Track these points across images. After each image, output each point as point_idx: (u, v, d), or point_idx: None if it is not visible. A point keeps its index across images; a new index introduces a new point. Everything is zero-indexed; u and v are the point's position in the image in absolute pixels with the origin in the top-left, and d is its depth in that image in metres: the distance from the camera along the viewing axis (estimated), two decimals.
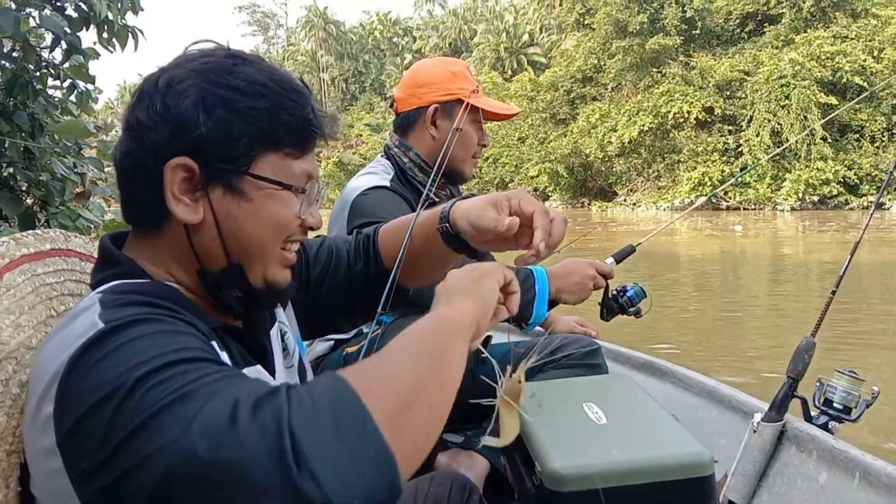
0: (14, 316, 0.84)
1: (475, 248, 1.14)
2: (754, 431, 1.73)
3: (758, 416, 1.75)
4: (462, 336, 0.78)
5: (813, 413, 1.75)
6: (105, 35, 3.02)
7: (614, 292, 2.00)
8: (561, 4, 49.20)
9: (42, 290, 0.90)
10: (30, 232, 0.94)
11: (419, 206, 1.21)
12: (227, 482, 0.55)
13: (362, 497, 0.57)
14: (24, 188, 2.89)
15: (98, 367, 0.63)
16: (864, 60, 30.23)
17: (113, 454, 0.58)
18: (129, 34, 3.10)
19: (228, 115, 0.80)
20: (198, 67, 0.82)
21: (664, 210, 33.31)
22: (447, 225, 1.12)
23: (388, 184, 1.93)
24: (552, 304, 1.93)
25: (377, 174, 1.99)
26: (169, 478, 0.56)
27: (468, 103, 1.95)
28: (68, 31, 2.81)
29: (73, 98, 3.22)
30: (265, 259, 0.86)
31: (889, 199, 27.96)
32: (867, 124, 30.29)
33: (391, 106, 2.09)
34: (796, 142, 28.25)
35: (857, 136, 30.93)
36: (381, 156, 2.08)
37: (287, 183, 0.84)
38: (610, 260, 2.01)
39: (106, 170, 3.48)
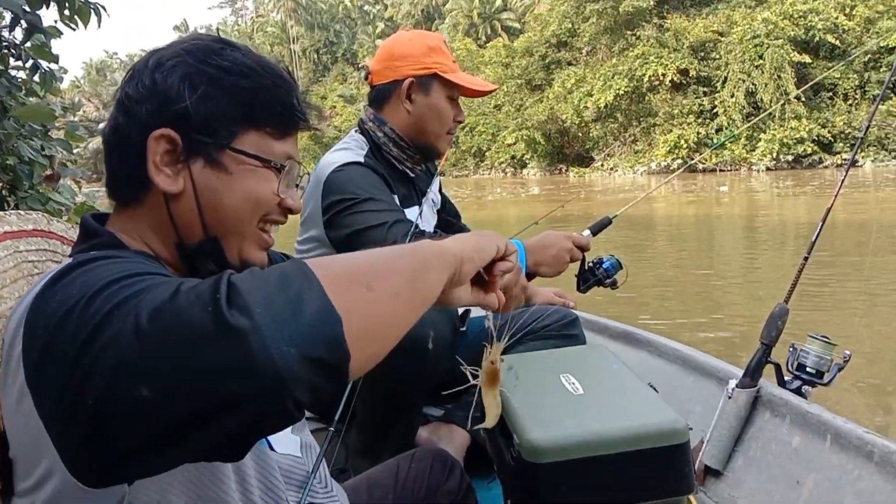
0: None
1: None
2: (729, 397, 1.76)
3: (732, 383, 1.78)
4: (441, 262, 0.77)
5: (786, 378, 1.78)
6: (66, 12, 2.94)
7: (591, 264, 2.00)
8: None
9: (24, 266, 0.92)
10: (12, 211, 0.96)
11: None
12: (171, 349, 0.55)
13: (299, 344, 0.56)
14: None
15: (63, 291, 0.64)
16: (837, 18, 30.29)
17: (76, 360, 0.57)
18: (92, 10, 3.02)
19: (213, 90, 0.83)
20: (187, 48, 0.85)
21: (641, 174, 33.44)
22: None
23: (362, 160, 1.91)
24: (529, 277, 1.93)
25: (351, 150, 1.96)
26: (122, 363, 0.55)
27: (444, 78, 1.93)
28: (27, 9, 2.73)
29: (36, 78, 3.14)
30: (241, 234, 0.87)
31: (862, 157, 28.27)
32: (840, 82, 30.46)
33: (366, 78, 2.05)
34: (771, 103, 28.38)
35: (831, 94, 31.12)
36: (356, 130, 2.06)
37: (266, 158, 0.86)
38: (587, 232, 2.01)
39: (75, 151, 3.42)
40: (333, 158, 1.92)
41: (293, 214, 0.94)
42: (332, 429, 1.26)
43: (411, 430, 1.89)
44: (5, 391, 0.71)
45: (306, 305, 0.58)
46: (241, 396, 0.55)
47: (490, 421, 1.06)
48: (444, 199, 2.33)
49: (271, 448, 0.90)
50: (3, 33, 2.90)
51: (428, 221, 2.13)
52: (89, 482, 0.61)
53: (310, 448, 1.00)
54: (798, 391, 1.71)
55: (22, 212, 0.97)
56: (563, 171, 39.06)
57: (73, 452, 0.60)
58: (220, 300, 0.56)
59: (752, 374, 1.76)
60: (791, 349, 1.77)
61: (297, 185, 0.94)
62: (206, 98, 0.82)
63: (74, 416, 0.58)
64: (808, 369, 1.72)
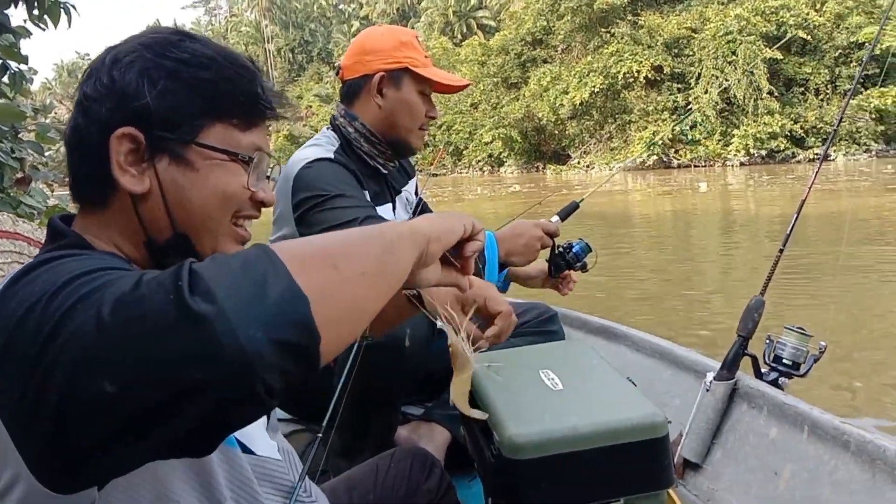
0: None
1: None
2: (707, 390, 1.77)
3: (710, 375, 1.79)
4: (409, 242, 0.76)
5: (763, 370, 1.79)
6: (35, 12, 2.90)
7: (560, 249, 2.01)
8: None
9: None
10: None
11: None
12: (133, 340, 0.54)
13: (266, 327, 0.55)
14: None
15: (24, 290, 0.62)
16: (807, 14, 30.71)
17: (38, 358, 0.56)
18: (62, 10, 2.98)
19: (173, 84, 0.80)
20: (144, 42, 0.82)
21: (617, 172, 33.62)
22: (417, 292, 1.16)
23: (331, 156, 1.88)
24: (501, 266, 1.93)
25: (321, 146, 1.94)
26: (84, 358, 0.54)
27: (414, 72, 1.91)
28: None
29: (5, 80, 3.09)
30: (213, 232, 0.85)
31: (834, 151, 28.66)
32: (812, 77, 30.87)
33: (337, 74, 2.03)
34: (744, 98, 28.69)
35: (802, 89, 31.52)
36: (328, 127, 2.03)
37: (232, 151, 0.84)
38: (555, 218, 2.01)
39: (47, 154, 3.36)
40: (303, 155, 1.89)
41: (266, 207, 0.92)
42: (319, 435, 1.25)
43: (390, 428, 1.88)
44: None
45: (271, 288, 0.57)
46: (208, 383, 0.54)
47: (454, 398, 1.04)
48: (422, 202, 2.31)
49: (251, 452, 0.88)
50: None
51: (401, 219, 2.11)
52: (55, 487, 0.59)
53: (288, 453, 0.99)
54: (775, 383, 1.73)
55: None
56: (541, 168, 39.21)
57: (36, 455, 0.58)
58: (181, 287, 0.55)
59: (729, 367, 1.77)
60: (767, 341, 1.78)
61: (267, 177, 0.92)
62: (167, 93, 0.80)
63: (36, 415, 0.56)
64: (784, 361, 1.73)
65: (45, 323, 0.57)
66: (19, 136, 3.22)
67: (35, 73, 3.41)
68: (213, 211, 0.84)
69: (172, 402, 0.54)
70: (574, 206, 2.07)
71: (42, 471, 0.59)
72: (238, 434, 0.86)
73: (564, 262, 2.00)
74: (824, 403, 1.63)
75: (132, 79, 0.79)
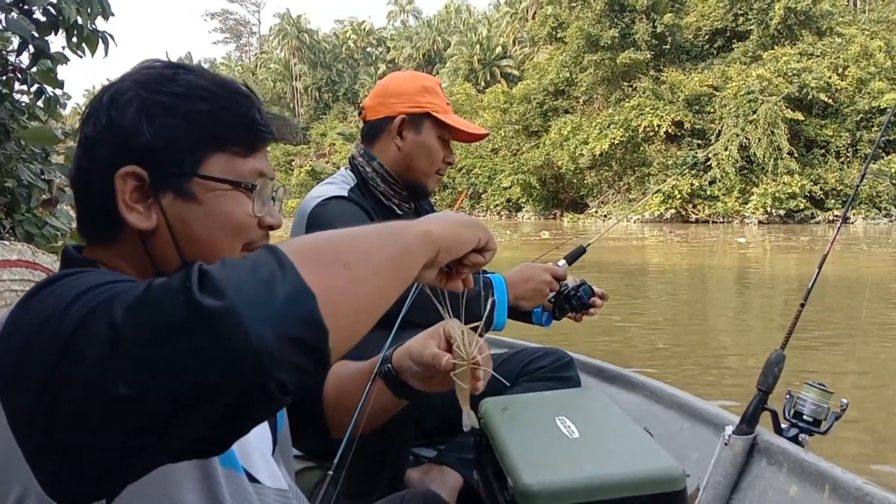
0: None
1: (416, 392, 1.18)
2: (725, 444, 1.74)
3: (729, 429, 1.76)
4: (422, 246, 0.76)
5: (783, 426, 1.76)
6: (74, 39, 2.97)
7: (566, 293, 2.00)
8: (534, 18, 49.73)
9: (6, 294, 0.91)
10: None
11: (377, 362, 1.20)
12: (146, 342, 0.54)
13: (275, 324, 0.55)
14: None
15: (38, 304, 0.62)
16: (829, 77, 30.93)
17: (53, 368, 0.56)
18: (100, 39, 3.06)
19: (170, 119, 0.80)
20: (138, 79, 0.83)
21: (634, 222, 33.66)
22: (390, 366, 1.16)
23: (346, 194, 1.90)
24: (511, 310, 1.93)
25: (336, 184, 1.96)
26: (98, 364, 0.55)
27: (435, 116, 1.94)
28: (36, 35, 2.76)
29: (40, 103, 3.16)
30: None
31: (854, 214, 28.57)
32: (833, 140, 30.96)
33: (360, 114, 2.07)
34: (764, 157, 28.79)
35: (823, 151, 31.60)
36: (346, 167, 2.06)
37: (234, 180, 0.84)
38: (562, 262, 2.01)
39: None
40: (318, 192, 1.92)
41: (274, 230, 0.92)
42: (330, 473, 1.23)
43: (400, 470, 1.85)
44: None
45: (279, 285, 0.57)
46: (221, 381, 0.54)
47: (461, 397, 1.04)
48: None
49: (256, 481, 0.87)
50: (9, 58, 2.93)
51: None
52: (65, 499, 0.59)
53: (293, 489, 0.97)
54: (795, 439, 1.69)
55: (7, 242, 0.97)
56: (558, 216, 39.33)
57: (48, 468, 0.59)
58: (191, 287, 0.55)
59: (748, 421, 1.74)
60: (788, 396, 1.75)
61: (273, 199, 0.91)
62: (165, 128, 0.80)
63: (51, 427, 0.56)
64: (804, 417, 1.70)
65: (60, 334, 0.58)
66: (49, 158, 3.28)
67: (69, 98, 3.48)
68: (221, 242, 0.84)
69: (187, 401, 0.55)
70: (581, 251, 2.08)
71: (53, 485, 0.59)
72: (243, 462, 0.85)
73: (569, 306, 2.00)
74: (845, 463, 1.59)
75: (130, 117, 0.80)
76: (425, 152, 1.95)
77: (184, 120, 0.81)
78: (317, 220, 1.83)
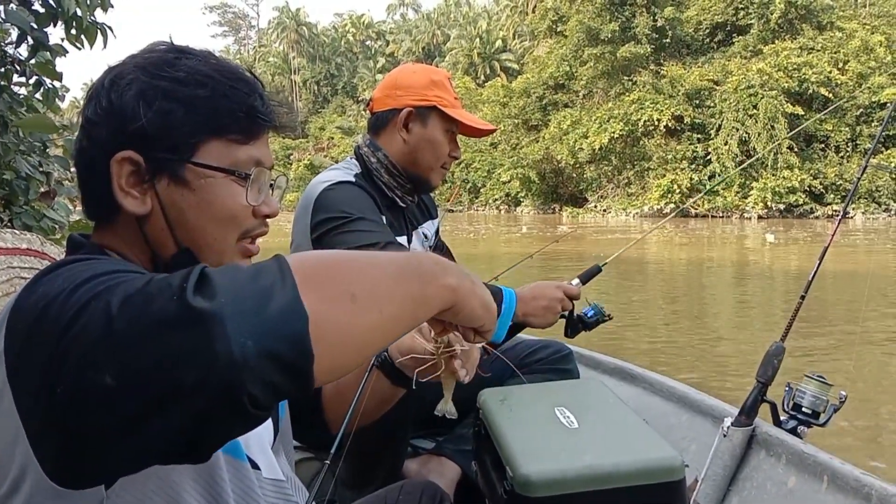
0: None
1: (410, 380, 1.17)
2: (724, 436, 1.75)
3: (728, 421, 1.77)
4: (441, 300, 0.72)
5: (782, 417, 1.76)
6: (73, 31, 2.96)
7: (578, 314, 2.02)
8: (534, 11, 49.61)
9: (15, 281, 0.93)
10: (7, 230, 0.97)
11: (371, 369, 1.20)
12: (135, 335, 0.55)
13: (259, 337, 0.55)
14: None
15: (46, 285, 0.63)
16: (830, 72, 30.90)
17: (54, 348, 0.57)
18: (99, 31, 3.04)
19: (168, 105, 0.80)
20: (140, 62, 0.83)
21: (633, 217, 33.66)
22: (386, 354, 1.17)
23: (352, 179, 1.90)
24: (521, 326, 1.92)
25: (340, 170, 1.96)
26: (90, 351, 0.55)
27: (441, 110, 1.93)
28: (35, 26, 2.75)
29: (38, 95, 3.16)
30: (217, 251, 0.86)
31: (853, 209, 28.56)
32: (832, 134, 30.93)
33: (367, 105, 2.06)
34: (763, 151, 28.75)
35: (823, 145, 31.57)
36: (351, 156, 2.06)
37: (228, 168, 0.83)
38: (576, 281, 2.00)
39: (72, 169, 3.41)
40: (325, 177, 1.91)
41: (271, 218, 0.91)
42: (327, 462, 1.23)
43: (398, 460, 1.85)
44: None
45: (274, 299, 0.57)
46: (195, 387, 0.54)
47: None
48: (441, 243, 2.31)
49: (258, 468, 0.88)
50: (7, 49, 2.92)
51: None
52: (65, 481, 0.60)
53: (292, 478, 0.98)
54: (794, 431, 1.70)
55: (17, 231, 0.98)
56: (557, 210, 39.30)
57: (47, 448, 0.59)
58: (186, 287, 0.56)
59: (747, 413, 1.75)
60: (787, 388, 1.76)
61: (271, 188, 0.91)
62: (163, 113, 0.80)
63: (51, 407, 0.57)
64: (803, 409, 1.71)
65: (61, 316, 0.58)
66: (47, 150, 3.27)
67: (67, 90, 3.47)
68: (214, 231, 0.84)
69: (160, 402, 0.55)
70: (596, 270, 2.07)
71: (53, 464, 0.60)
72: (247, 450, 0.86)
73: (582, 325, 2.01)
74: (843, 454, 1.59)
75: (129, 101, 0.80)
76: (431, 146, 1.95)
77: (182, 105, 0.81)
78: (324, 203, 1.82)
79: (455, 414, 1.04)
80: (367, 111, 2.05)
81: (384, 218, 1.91)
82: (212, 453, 0.61)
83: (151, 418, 0.55)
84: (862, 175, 2.25)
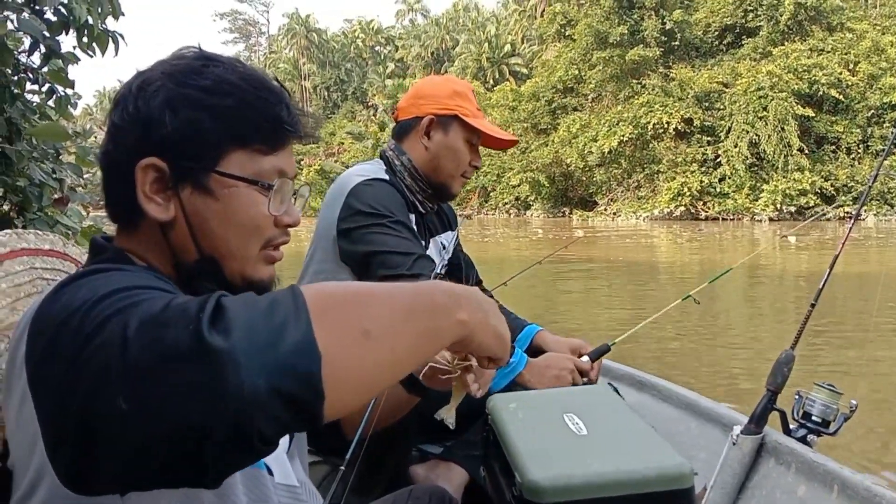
0: (10, 299, 0.89)
1: (426, 389, 1.18)
2: (734, 444, 1.74)
3: (737, 429, 1.76)
4: (452, 334, 0.71)
5: (792, 426, 1.75)
6: (85, 39, 2.99)
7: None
8: (542, 15, 49.61)
9: (38, 282, 0.95)
10: (31, 230, 0.99)
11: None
12: (148, 363, 0.55)
13: (270, 374, 0.55)
14: (0, 194, 2.85)
15: (69, 294, 0.63)
16: (840, 73, 30.77)
17: (74, 358, 0.57)
18: (110, 39, 3.07)
19: (194, 113, 0.80)
20: (168, 70, 0.83)
21: (644, 220, 33.56)
22: None
23: (387, 177, 1.94)
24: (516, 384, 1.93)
25: (373, 166, 2.00)
26: (105, 371, 0.55)
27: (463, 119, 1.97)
28: (47, 34, 2.78)
29: (51, 103, 3.18)
30: (240, 259, 0.86)
31: (865, 211, 28.39)
32: (843, 136, 30.77)
33: (393, 114, 2.11)
34: (774, 154, 28.65)
35: (834, 147, 31.42)
36: (377, 158, 2.11)
37: (251, 178, 0.83)
38: (585, 359, 2.02)
39: (85, 176, 3.44)
40: (359, 170, 1.95)
41: (293, 227, 0.91)
42: (342, 468, 1.24)
43: (401, 465, 1.86)
44: (9, 397, 0.71)
45: (288, 336, 0.57)
46: (205, 420, 0.54)
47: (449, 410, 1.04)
48: (466, 258, 2.33)
49: (270, 473, 0.88)
50: (20, 58, 2.94)
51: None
52: (78, 489, 0.60)
53: (308, 487, 0.98)
54: (803, 440, 1.69)
55: (40, 232, 0.99)
56: (567, 213, 39.26)
57: (59, 458, 0.60)
58: (202, 318, 0.55)
59: (757, 421, 1.74)
60: (797, 397, 1.75)
61: (294, 196, 0.91)
62: (189, 122, 0.80)
63: (65, 421, 0.57)
64: (813, 418, 1.70)
65: (84, 327, 0.59)
66: (60, 157, 3.29)
67: (79, 97, 3.49)
68: (237, 240, 0.84)
69: (169, 432, 0.54)
70: (605, 349, 2.09)
71: (67, 473, 0.60)
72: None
73: None
74: (853, 464, 1.58)
75: (155, 108, 0.80)
76: (451, 154, 1.99)
77: (208, 114, 0.81)
78: (359, 197, 1.85)
79: (454, 424, 1.04)
80: (393, 120, 2.11)
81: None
82: (221, 481, 0.60)
83: (160, 445, 0.55)
84: (875, 177, 2.24)
